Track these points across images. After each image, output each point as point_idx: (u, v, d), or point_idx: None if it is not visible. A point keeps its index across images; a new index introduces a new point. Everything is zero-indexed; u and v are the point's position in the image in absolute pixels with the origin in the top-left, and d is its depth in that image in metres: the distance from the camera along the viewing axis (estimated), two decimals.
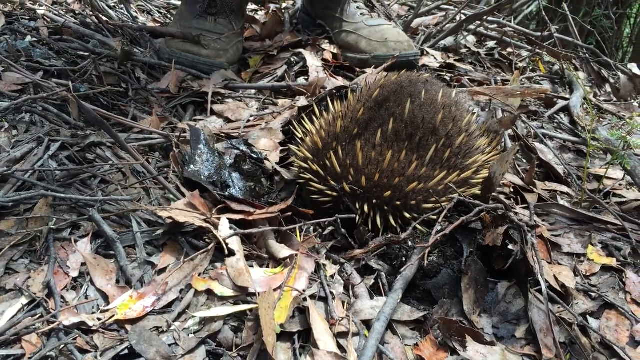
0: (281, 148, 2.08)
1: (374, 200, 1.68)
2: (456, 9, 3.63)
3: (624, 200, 2.08)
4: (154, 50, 2.63)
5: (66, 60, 2.35)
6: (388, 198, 1.66)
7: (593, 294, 1.62)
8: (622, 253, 1.76)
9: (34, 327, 1.25)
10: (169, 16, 3.39)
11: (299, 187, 1.89)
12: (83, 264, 1.43)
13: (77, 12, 2.89)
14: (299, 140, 1.95)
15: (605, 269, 1.72)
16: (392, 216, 1.68)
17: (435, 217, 1.58)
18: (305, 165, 1.80)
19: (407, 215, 1.67)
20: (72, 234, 1.51)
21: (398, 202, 1.67)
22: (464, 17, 3.29)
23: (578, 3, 7.11)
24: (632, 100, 3.23)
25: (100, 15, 2.81)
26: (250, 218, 1.58)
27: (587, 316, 1.56)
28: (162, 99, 2.36)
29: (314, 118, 1.94)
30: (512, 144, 2.33)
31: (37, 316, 1.29)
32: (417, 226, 1.64)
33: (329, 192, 1.71)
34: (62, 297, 1.34)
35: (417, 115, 1.73)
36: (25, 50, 2.28)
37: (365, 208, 1.68)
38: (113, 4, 3.12)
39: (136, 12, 3.25)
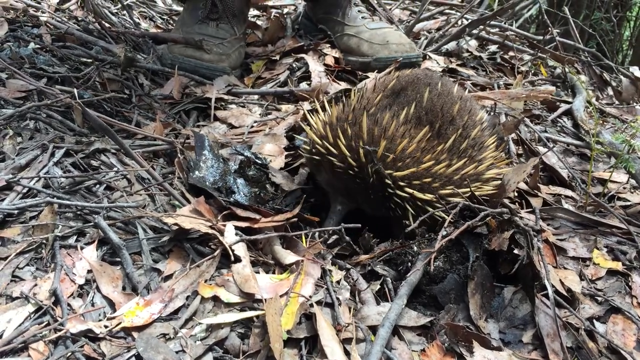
0: (286, 153, 2.08)
1: (404, 172, 1.65)
2: (458, 14, 3.63)
3: (628, 203, 2.07)
4: (157, 56, 2.63)
5: (69, 66, 2.35)
6: (418, 173, 1.65)
7: (599, 298, 1.62)
8: (627, 257, 1.76)
9: (41, 335, 1.25)
10: (171, 22, 3.39)
11: (303, 195, 1.89)
12: (89, 271, 1.43)
13: (79, 19, 2.89)
14: (311, 121, 1.89)
15: (610, 272, 1.71)
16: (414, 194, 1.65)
17: (442, 216, 1.58)
18: (318, 141, 1.76)
19: (427, 196, 1.65)
20: (77, 241, 1.51)
21: (427, 180, 1.65)
22: (466, 22, 3.29)
23: (578, 6, 7.12)
24: (635, 103, 3.23)
25: (103, 22, 2.82)
26: (256, 226, 1.58)
27: (594, 320, 1.55)
28: (166, 105, 2.36)
29: (324, 108, 1.92)
30: (515, 147, 2.34)
31: (44, 324, 1.29)
32: (435, 215, 1.61)
33: (360, 154, 1.65)
34: (69, 305, 1.34)
35: (436, 104, 1.74)
36: (29, 57, 2.28)
37: (399, 174, 1.64)
38: (116, 10, 3.13)
39: (139, 18, 3.25)
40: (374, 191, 1.68)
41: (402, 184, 1.64)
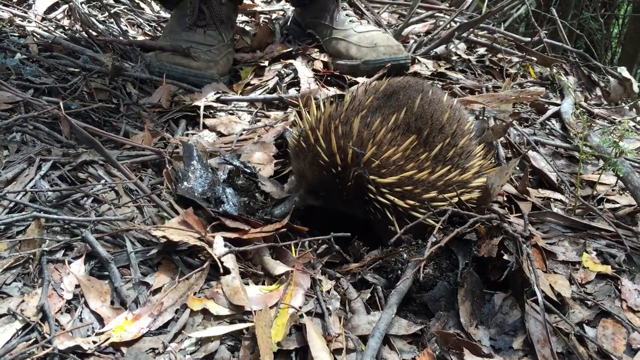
0: (275, 161, 2.07)
1: (387, 179, 1.65)
2: (447, 17, 3.64)
3: (617, 206, 2.08)
4: (145, 64, 2.62)
5: (56, 77, 2.33)
6: (401, 181, 1.65)
7: (589, 302, 1.63)
8: (616, 260, 1.77)
9: (29, 352, 1.24)
10: (160, 29, 3.38)
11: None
12: (77, 286, 1.42)
13: (66, 28, 2.87)
14: (304, 113, 1.87)
15: (600, 276, 1.72)
16: (395, 201, 1.66)
17: (430, 223, 1.58)
18: (309, 131, 1.76)
19: (409, 203, 1.66)
20: (65, 255, 1.50)
21: (408, 188, 1.66)
22: (455, 26, 3.30)
23: (566, 5, 7.16)
24: (623, 104, 3.25)
25: (90, 30, 2.80)
26: (245, 237, 1.57)
27: (584, 325, 1.56)
28: (154, 114, 2.35)
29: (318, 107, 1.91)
30: (504, 151, 2.34)
31: (32, 341, 1.27)
32: (426, 221, 1.60)
33: (348, 155, 1.64)
34: (57, 321, 1.33)
35: (426, 111, 1.75)
36: (15, 68, 2.26)
37: (382, 180, 1.64)
38: (103, 18, 3.11)
39: (126, 25, 3.23)
40: (349, 193, 1.69)
41: (384, 190, 1.64)
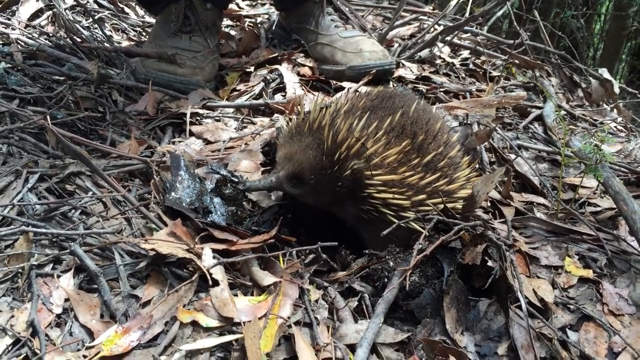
0: (262, 169, 2.09)
1: (386, 177, 1.67)
2: (431, 20, 3.67)
3: (599, 209, 2.12)
4: (130, 70, 2.62)
5: (42, 86, 2.33)
6: (392, 181, 1.68)
7: (571, 307, 1.66)
8: (598, 264, 1.81)
9: None
10: (144, 34, 3.37)
11: (280, 211, 1.90)
12: (66, 300, 1.42)
13: (51, 35, 2.86)
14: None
15: (582, 280, 1.76)
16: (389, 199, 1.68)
17: (417, 227, 1.61)
18: (314, 115, 1.75)
19: (401, 203, 1.68)
20: (54, 269, 1.50)
21: (402, 189, 1.69)
22: (439, 29, 3.33)
23: (548, 4, 7.23)
24: (604, 105, 3.30)
25: (75, 37, 2.79)
26: (234, 248, 1.59)
27: (567, 329, 1.60)
28: (140, 122, 2.35)
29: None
30: (488, 155, 2.38)
31: (22, 356, 1.28)
32: (412, 224, 1.66)
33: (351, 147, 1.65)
34: (47, 335, 1.34)
35: (422, 117, 1.79)
36: (0, 78, 2.25)
37: (382, 178, 1.66)
38: (87, 25, 3.10)
39: (111, 31, 3.22)
40: (343, 185, 1.68)
41: (380, 188, 1.66)
